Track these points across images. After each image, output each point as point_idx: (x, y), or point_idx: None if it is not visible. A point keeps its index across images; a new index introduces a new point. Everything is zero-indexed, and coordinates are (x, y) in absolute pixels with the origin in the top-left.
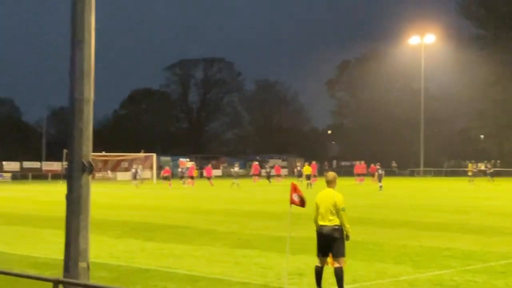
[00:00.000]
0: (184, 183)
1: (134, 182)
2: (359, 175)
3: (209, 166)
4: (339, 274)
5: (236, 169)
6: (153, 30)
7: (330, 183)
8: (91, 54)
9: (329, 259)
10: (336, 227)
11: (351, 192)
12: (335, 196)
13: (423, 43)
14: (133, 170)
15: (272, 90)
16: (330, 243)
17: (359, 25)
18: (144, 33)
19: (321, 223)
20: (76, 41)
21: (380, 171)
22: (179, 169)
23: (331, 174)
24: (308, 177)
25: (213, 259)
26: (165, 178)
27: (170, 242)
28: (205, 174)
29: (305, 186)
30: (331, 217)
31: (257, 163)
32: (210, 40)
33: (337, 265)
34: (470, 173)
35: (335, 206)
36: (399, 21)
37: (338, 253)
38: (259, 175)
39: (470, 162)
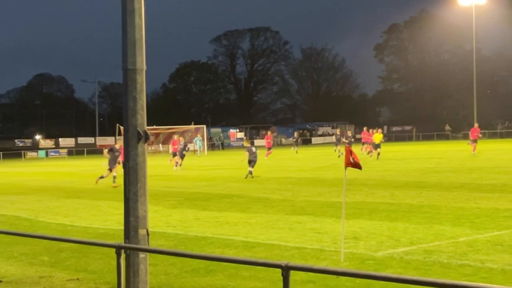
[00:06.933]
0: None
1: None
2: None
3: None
4: None
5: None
6: (196, 2)
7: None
8: (142, 23)
9: None
10: None
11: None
12: None
13: (474, 3)
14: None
15: (319, 57)
16: None
17: None
18: (187, 5)
19: None
20: (127, 11)
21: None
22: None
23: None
24: (377, 146)
25: (268, 226)
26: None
27: (225, 211)
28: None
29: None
30: None
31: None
32: (255, 9)
33: None
34: None
35: None
36: None
37: None
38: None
39: None
